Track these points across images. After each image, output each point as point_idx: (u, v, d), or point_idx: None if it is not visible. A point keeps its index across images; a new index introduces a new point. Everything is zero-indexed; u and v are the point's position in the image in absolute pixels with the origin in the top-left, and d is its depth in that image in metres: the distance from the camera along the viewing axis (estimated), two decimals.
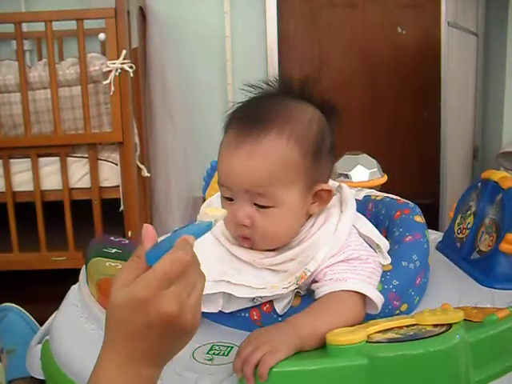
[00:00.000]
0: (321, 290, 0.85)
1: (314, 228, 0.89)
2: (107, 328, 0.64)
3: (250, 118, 0.87)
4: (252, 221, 0.85)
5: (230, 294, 0.88)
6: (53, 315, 1.12)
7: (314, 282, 0.87)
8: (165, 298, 0.61)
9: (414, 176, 3.14)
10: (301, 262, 0.87)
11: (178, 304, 0.61)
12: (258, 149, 0.83)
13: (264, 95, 0.91)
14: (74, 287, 1.14)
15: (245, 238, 0.88)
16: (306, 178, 0.86)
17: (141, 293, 0.61)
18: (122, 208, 2.30)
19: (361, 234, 0.92)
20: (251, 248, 0.89)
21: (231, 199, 0.87)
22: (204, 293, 0.84)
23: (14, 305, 1.47)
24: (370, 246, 0.93)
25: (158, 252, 0.63)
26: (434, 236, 1.27)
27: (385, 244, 0.95)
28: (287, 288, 0.86)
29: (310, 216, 0.90)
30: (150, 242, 0.65)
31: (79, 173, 2.29)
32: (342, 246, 0.87)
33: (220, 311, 0.90)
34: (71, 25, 2.21)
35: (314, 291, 0.87)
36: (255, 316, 0.90)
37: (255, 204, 0.85)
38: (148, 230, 0.65)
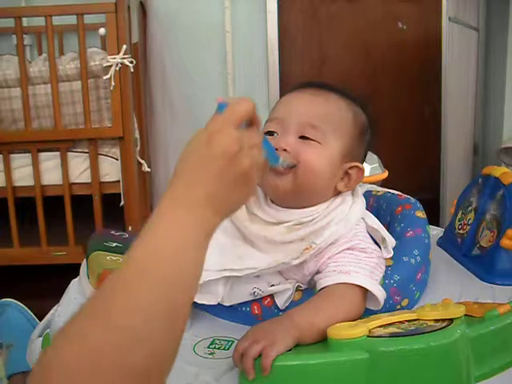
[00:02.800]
0: (323, 281, 0.85)
1: (329, 209, 0.90)
2: (175, 166, 0.67)
3: (313, 85, 0.95)
4: (294, 147, 0.87)
5: (231, 287, 0.89)
6: (53, 309, 1.12)
7: (318, 272, 0.87)
8: (229, 135, 0.64)
9: (414, 171, 3.14)
10: (309, 240, 0.87)
11: (238, 144, 0.64)
12: (321, 94, 0.92)
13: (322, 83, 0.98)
14: (75, 281, 1.14)
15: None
16: (349, 144, 0.91)
17: (212, 125, 0.66)
18: (122, 203, 2.31)
19: (368, 227, 0.93)
20: (282, 180, 0.88)
21: (272, 134, 0.90)
22: (206, 279, 0.85)
23: (12, 300, 1.47)
24: (375, 241, 0.93)
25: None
26: (435, 232, 1.27)
27: (391, 241, 0.95)
28: (290, 261, 0.87)
29: (336, 193, 0.92)
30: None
31: (79, 168, 2.29)
32: (350, 232, 0.88)
33: (221, 305, 0.90)
34: (71, 19, 2.21)
35: (314, 286, 0.87)
36: (256, 310, 0.90)
37: (301, 137, 0.88)
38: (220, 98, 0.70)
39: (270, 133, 0.90)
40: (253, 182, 0.68)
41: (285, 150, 0.87)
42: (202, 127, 0.69)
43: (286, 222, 0.89)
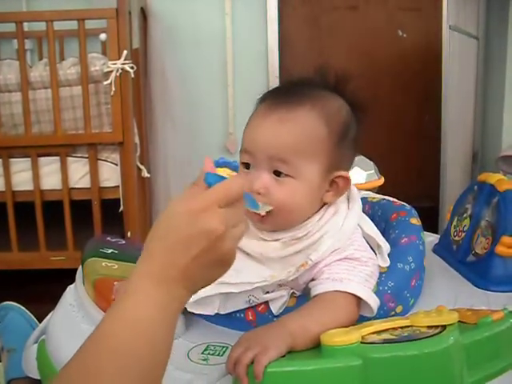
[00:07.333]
0: (316, 288, 0.85)
1: (322, 221, 0.89)
2: (147, 242, 0.65)
3: (285, 91, 0.91)
4: (268, 189, 0.85)
5: (226, 296, 0.89)
6: (49, 315, 1.12)
7: (312, 280, 0.87)
8: (215, 215, 0.62)
9: (414, 179, 3.14)
10: (306, 253, 0.87)
11: (224, 226, 0.62)
12: (289, 117, 0.86)
13: (298, 80, 0.94)
14: (71, 287, 1.14)
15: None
16: (328, 158, 0.87)
17: (196, 204, 0.63)
18: (121, 208, 2.31)
19: (364, 234, 0.93)
20: (264, 224, 0.88)
21: (248, 166, 0.88)
22: (203, 295, 0.85)
23: (15, 303, 1.47)
24: (371, 247, 0.93)
25: (218, 177, 0.66)
26: (431, 238, 1.27)
27: (386, 246, 0.95)
28: (286, 277, 0.86)
29: (323, 205, 0.90)
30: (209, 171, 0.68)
31: (79, 173, 2.29)
32: (345, 243, 0.87)
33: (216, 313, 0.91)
34: (72, 25, 2.22)
35: (309, 292, 0.87)
36: (250, 316, 0.90)
37: (274, 172, 0.85)
38: (208, 161, 0.69)
39: (246, 165, 0.88)
40: (230, 263, 0.67)
41: (259, 193, 0.84)
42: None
43: (281, 238, 0.89)
